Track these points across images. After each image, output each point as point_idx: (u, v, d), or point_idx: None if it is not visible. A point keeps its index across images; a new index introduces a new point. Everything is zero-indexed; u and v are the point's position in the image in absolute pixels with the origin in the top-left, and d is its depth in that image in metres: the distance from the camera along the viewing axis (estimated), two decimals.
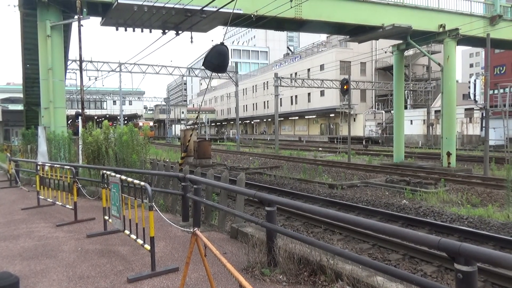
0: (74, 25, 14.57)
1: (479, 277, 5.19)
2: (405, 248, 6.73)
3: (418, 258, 6.48)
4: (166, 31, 15.81)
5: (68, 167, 8.02)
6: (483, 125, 21.25)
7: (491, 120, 19.01)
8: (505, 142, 20.05)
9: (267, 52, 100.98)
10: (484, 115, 20.80)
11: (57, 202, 8.22)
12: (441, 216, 9.16)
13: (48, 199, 8.57)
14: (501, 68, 40.89)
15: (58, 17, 14.09)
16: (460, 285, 2.61)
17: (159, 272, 4.54)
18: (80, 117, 13.89)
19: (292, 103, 62.58)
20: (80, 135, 12.35)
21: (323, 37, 70.67)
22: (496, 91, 28.83)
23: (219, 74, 37.82)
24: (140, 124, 52.84)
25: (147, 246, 4.59)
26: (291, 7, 15.22)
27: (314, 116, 57.39)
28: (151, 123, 71.54)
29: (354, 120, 45.64)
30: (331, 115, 52.21)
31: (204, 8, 12.65)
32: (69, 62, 23.09)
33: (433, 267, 6.12)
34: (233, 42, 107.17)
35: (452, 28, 19.15)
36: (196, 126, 47.79)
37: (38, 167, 9.16)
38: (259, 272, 4.37)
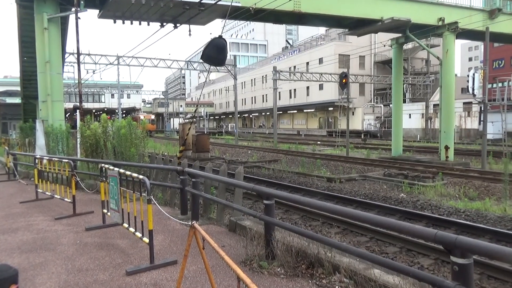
0: (72, 18, 14.46)
1: (475, 269, 5.23)
2: (402, 241, 6.78)
3: (415, 251, 6.53)
4: (164, 24, 15.72)
5: (66, 160, 8.01)
6: (481, 119, 21.28)
7: (489, 114, 19.02)
8: (503, 136, 20.12)
9: (265, 45, 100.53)
10: (482, 109, 20.81)
11: (56, 196, 8.23)
12: (439, 210, 9.21)
13: (47, 193, 8.58)
14: (500, 62, 40.87)
15: (55, 9, 13.97)
16: (456, 277, 2.63)
17: (157, 265, 4.57)
18: (78, 111, 13.84)
19: (290, 97, 62.47)
20: (78, 128, 12.32)
21: (321, 30, 70.35)
22: (494, 85, 28.84)
23: (218, 68, 37.76)
24: (142, 117, 52.53)
25: (146, 239, 4.61)
26: (290, 0, 15.12)
27: (312, 110, 57.35)
28: (153, 116, 71.06)
29: (353, 114, 45.63)
30: (329, 108, 52.19)
31: (203, 1, 12.61)
32: (66, 55, 22.94)
33: (430, 259, 6.17)
34: (231, 35, 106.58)
35: (451, 21, 19.07)
36: (194, 119, 47.74)
37: (36, 161, 9.16)
38: (257, 265, 4.40)
